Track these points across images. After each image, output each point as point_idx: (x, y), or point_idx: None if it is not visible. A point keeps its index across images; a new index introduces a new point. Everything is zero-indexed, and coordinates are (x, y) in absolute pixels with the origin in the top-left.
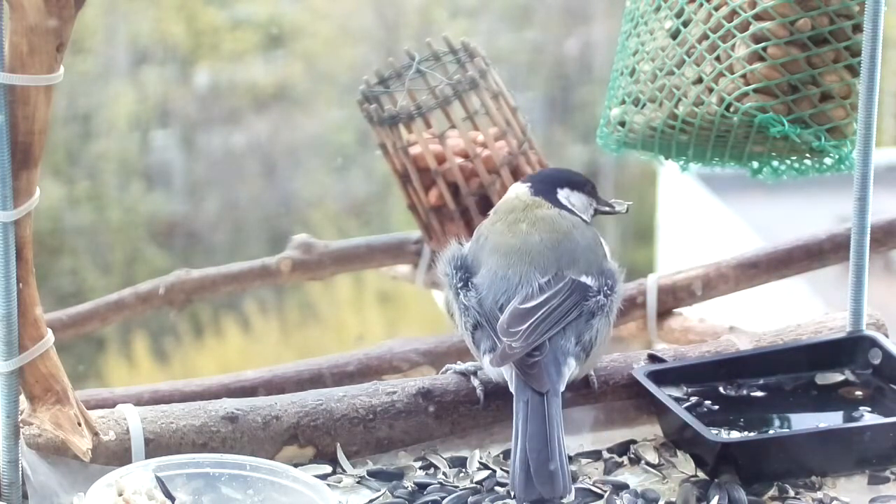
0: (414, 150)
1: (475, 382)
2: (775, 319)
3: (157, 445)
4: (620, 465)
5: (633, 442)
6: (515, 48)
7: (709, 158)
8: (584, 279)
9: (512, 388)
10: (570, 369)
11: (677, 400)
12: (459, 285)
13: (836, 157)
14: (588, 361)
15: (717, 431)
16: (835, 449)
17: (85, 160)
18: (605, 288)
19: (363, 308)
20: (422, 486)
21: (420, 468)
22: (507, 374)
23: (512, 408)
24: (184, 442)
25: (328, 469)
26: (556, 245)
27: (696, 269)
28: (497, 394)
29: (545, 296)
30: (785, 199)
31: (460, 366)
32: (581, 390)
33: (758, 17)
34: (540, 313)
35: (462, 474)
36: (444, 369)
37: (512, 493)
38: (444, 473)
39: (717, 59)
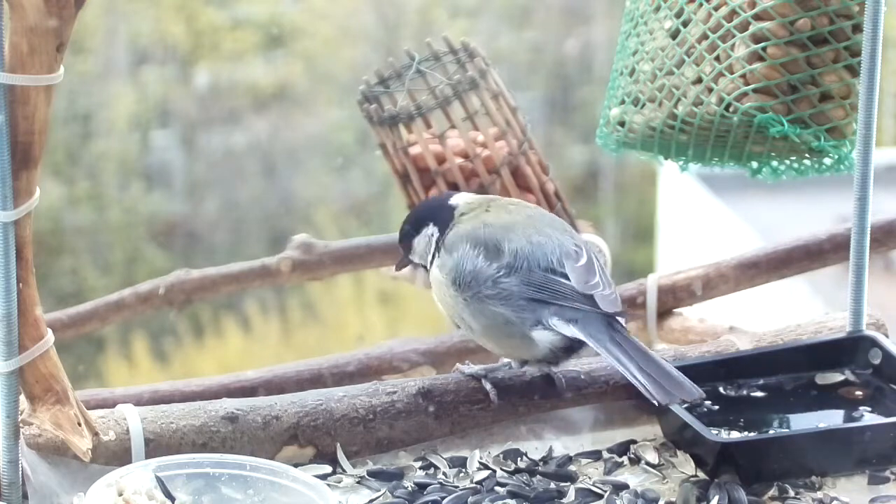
0: (414, 150)
1: (487, 385)
2: (775, 319)
3: (157, 445)
4: (620, 465)
5: (633, 442)
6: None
7: (708, 158)
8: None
9: (586, 339)
10: None
11: None
12: (499, 274)
13: (836, 157)
14: None
15: (717, 431)
16: (835, 449)
17: (85, 160)
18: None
19: (363, 308)
20: (422, 486)
21: (420, 468)
22: (573, 329)
23: (513, 408)
24: (184, 442)
25: (328, 469)
26: (553, 217)
27: (696, 269)
28: (496, 394)
29: (587, 254)
30: (785, 199)
31: (470, 368)
32: (583, 390)
33: (757, 17)
34: (597, 267)
35: (462, 474)
36: (454, 369)
37: (655, 401)
38: (444, 473)
39: (717, 59)
